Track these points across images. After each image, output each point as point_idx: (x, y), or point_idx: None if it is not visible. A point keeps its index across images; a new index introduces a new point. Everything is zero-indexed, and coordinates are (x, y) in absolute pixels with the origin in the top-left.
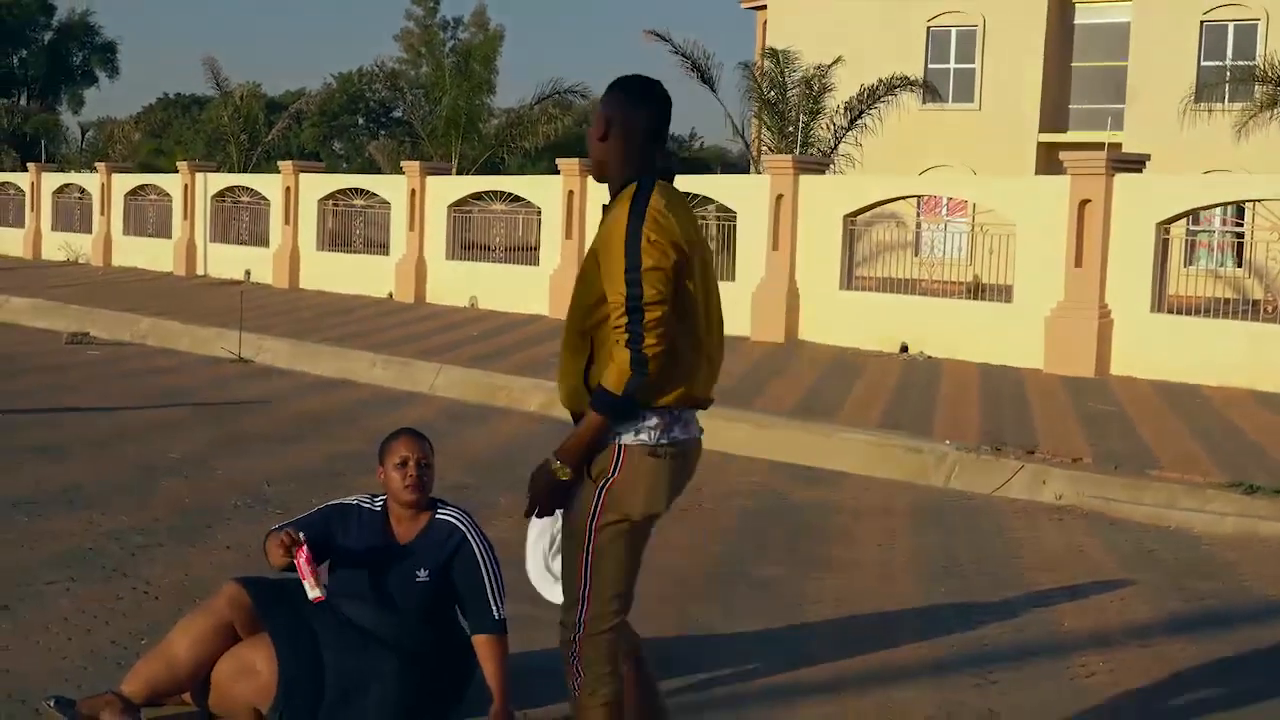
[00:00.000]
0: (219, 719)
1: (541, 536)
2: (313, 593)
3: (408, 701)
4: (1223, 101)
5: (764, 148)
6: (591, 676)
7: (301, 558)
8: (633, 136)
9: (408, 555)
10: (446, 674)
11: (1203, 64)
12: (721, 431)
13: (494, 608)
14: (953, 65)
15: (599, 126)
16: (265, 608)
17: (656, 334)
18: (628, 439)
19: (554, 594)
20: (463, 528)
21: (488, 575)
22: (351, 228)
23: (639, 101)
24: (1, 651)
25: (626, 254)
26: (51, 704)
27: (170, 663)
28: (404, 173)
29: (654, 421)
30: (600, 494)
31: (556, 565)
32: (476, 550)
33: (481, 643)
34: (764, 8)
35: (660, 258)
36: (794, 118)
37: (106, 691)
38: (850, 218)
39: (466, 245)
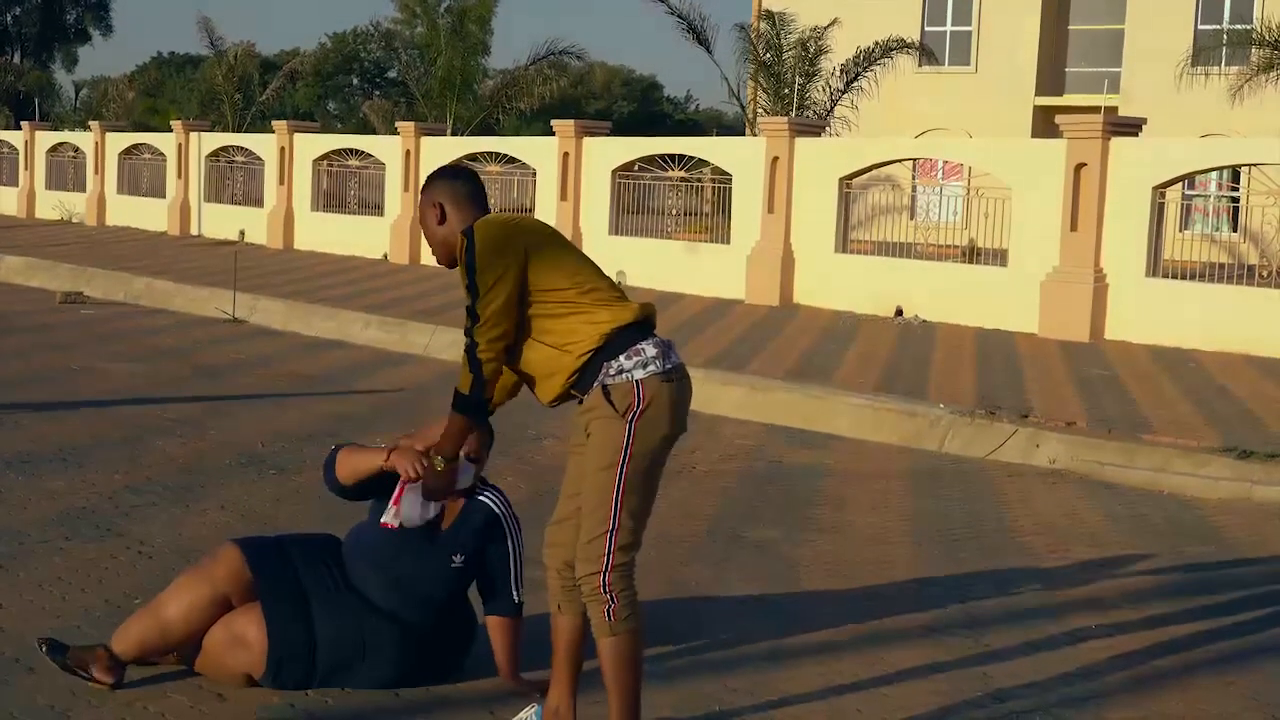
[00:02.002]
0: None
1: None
2: (386, 516)
3: (403, 669)
4: (1219, 65)
5: (759, 110)
6: (624, 603)
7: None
8: (462, 203)
9: (446, 539)
10: (444, 645)
11: (1200, 27)
12: (716, 394)
13: (515, 591)
14: (949, 28)
15: (434, 214)
16: (262, 578)
17: (487, 339)
18: (639, 373)
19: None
20: (499, 512)
21: (515, 561)
22: (346, 188)
23: (454, 176)
24: None
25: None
26: (44, 648)
27: (163, 626)
28: (399, 133)
29: (653, 352)
30: (631, 428)
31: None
32: (509, 536)
33: (496, 623)
34: None
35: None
36: (790, 80)
37: (98, 645)
38: (846, 181)
39: None
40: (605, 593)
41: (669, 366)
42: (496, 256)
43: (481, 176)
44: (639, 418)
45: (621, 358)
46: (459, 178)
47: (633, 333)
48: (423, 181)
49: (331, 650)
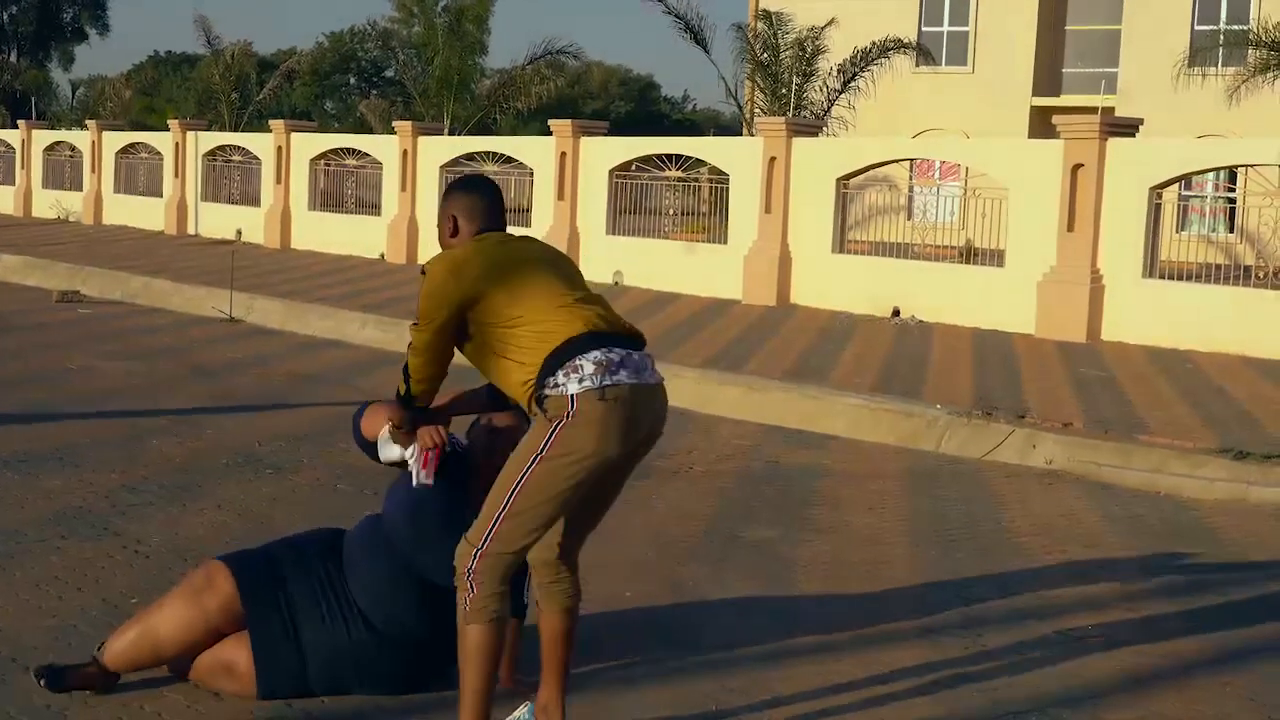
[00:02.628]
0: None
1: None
2: (418, 479)
3: (396, 684)
4: (1216, 66)
5: (757, 110)
6: (483, 593)
7: (433, 453)
8: (475, 217)
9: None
10: (440, 652)
11: (1196, 28)
12: (713, 394)
13: (524, 592)
14: (946, 28)
15: (448, 225)
16: (253, 611)
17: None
18: (573, 388)
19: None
20: None
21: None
22: (343, 188)
23: (470, 189)
24: None
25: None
26: (42, 681)
27: (156, 648)
28: (396, 133)
29: (590, 369)
30: (554, 433)
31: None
32: None
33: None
34: None
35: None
36: (787, 80)
37: (90, 663)
38: (843, 181)
39: None
40: (468, 579)
41: (607, 384)
42: (439, 299)
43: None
44: (564, 426)
45: (560, 373)
46: (474, 191)
47: (579, 345)
48: (444, 189)
49: (324, 674)
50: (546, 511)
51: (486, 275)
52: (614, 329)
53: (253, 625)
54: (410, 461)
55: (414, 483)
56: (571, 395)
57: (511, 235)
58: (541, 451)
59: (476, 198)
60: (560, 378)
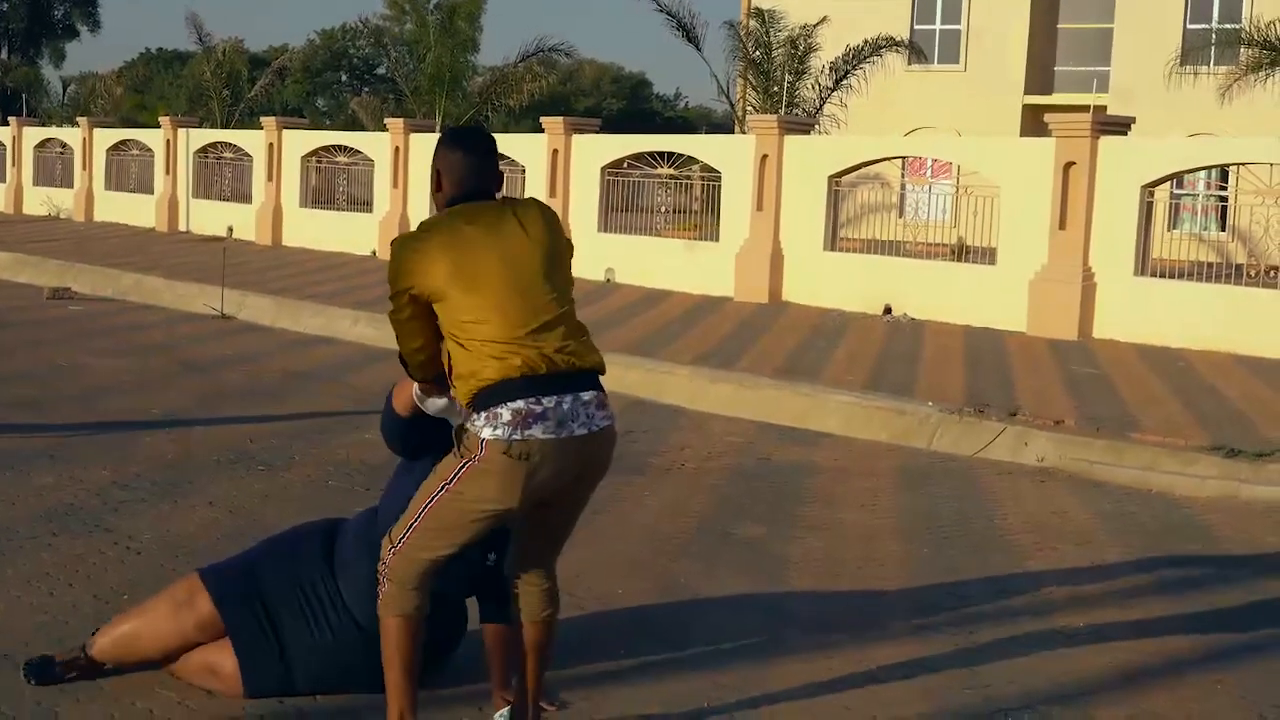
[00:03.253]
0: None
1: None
2: (454, 419)
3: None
4: (1208, 64)
5: (749, 108)
6: (394, 589)
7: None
8: (457, 175)
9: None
10: (434, 647)
11: (1189, 26)
12: (704, 391)
13: (513, 601)
14: (938, 26)
15: (434, 179)
16: (231, 621)
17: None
18: (487, 433)
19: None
20: None
21: None
22: (335, 185)
23: (457, 142)
24: None
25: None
26: (32, 681)
27: (139, 654)
28: (387, 130)
29: (506, 418)
30: (460, 469)
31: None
32: None
33: (495, 630)
34: None
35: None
36: (779, 78)
37: (80, 653)
38: (835, 179)
39: None
40: (382, 573)
41: (515, 438)
42: (398, 286)
43: None
44: (471, 466)
45: (481, 414)
46: (461, 145)
47: (506, 391)
48: (429, 160)
49: (310, 675)
50: (453, 538)
51: (445, 276)
52: (556, 369)
53: (235, 638)
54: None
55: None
56: (483, 440)
57: (493, 212)
58: (449, 482)
59: (461, 155)
60: (479, 419)
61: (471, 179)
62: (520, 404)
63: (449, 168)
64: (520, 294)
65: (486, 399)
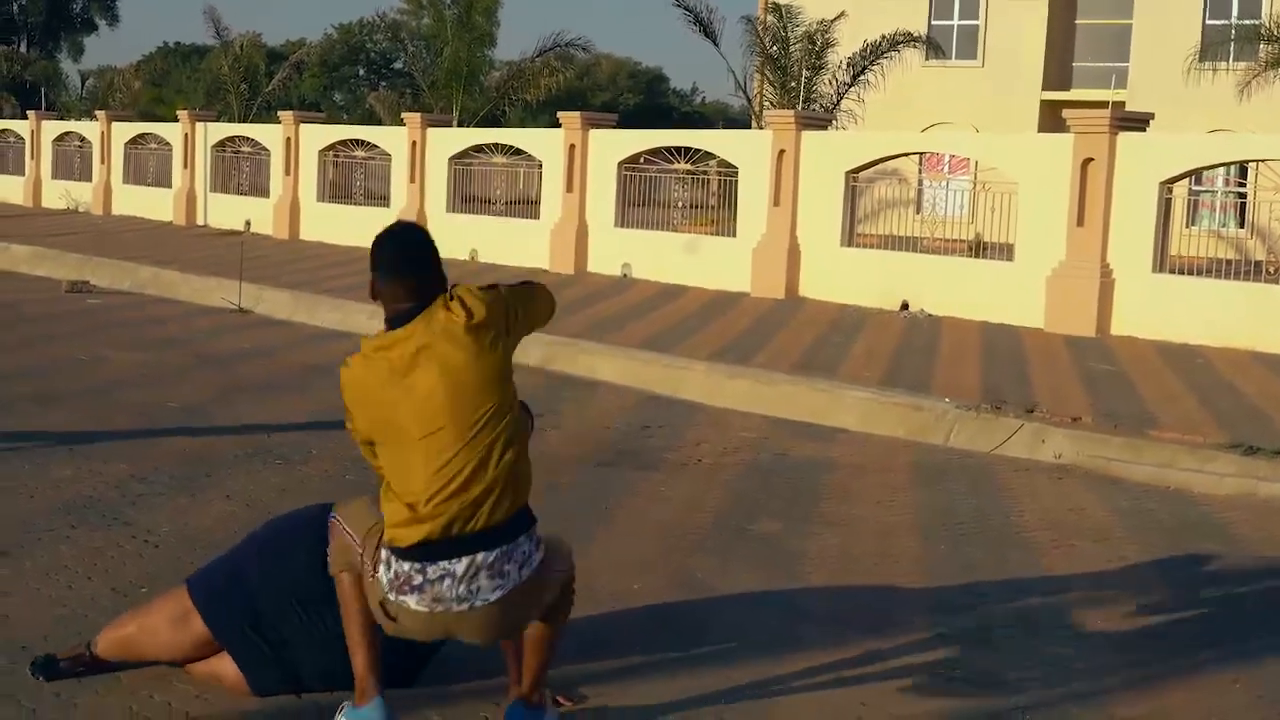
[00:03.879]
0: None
1: None
2: None
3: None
4: (1227, 60)
5: (766, 103)
6: (334, 546)
7: None
8: (380, 278)
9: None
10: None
11: (1208, 22)
12: (721, 386)
13: None
14: (956, 21)
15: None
16: (226, 636)
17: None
18: (381, 575)
19: None
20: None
21: None
22: (352, 179)
23: (380, 243)
24: (1, 598)
25: None
26: (41, 676)
27: (141, 657)
28: (405, 124)
29: (388, 577)
30: (361, 557)
31: None
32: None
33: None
34: None
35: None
36: (796, 73)
37: (85, 650)
38: (852, 174)
39: (467, 198)
40: (333, 526)
41: (390, 598)
42: (350, 410)
43: (488, 169)
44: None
45: (383, 550)
46: (382, 246)
47: (400, 553)
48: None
49: (315, 673)
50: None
51: (366, 428)
52: (456, 535)
53: (233, 655)
54: None
55: None
56: (379, 577)
57: (413, 345)
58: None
59: (385, 273)
60: (380, 557)
61: (402, 295)
62: (407, 567)
63: (379, 282)
64: (427, 458)
65: (387, 539)
